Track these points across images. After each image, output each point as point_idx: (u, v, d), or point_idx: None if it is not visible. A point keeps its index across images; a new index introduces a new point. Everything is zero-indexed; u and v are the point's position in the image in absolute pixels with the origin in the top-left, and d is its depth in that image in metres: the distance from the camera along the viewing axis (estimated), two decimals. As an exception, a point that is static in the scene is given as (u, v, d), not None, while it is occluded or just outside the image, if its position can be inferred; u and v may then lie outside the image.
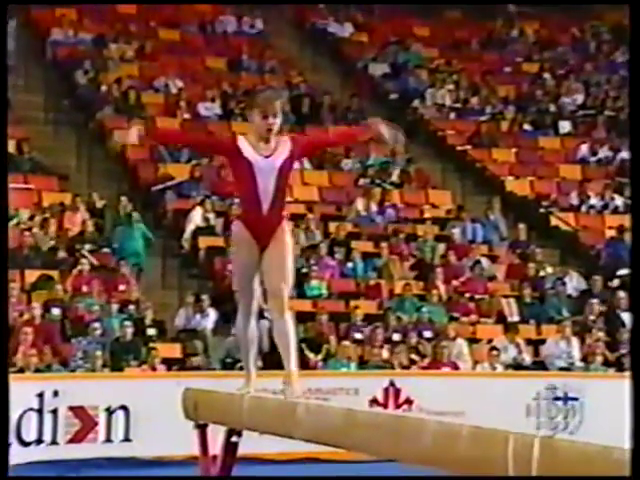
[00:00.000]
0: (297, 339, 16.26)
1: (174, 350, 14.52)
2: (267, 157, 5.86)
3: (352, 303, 15.76)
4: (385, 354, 14.57)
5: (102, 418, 12.44)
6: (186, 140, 7.53)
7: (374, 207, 18.21)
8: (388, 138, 6.12)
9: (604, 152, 20.87)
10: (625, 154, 20.65)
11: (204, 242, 16.83)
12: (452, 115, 22.07)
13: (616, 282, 17.20)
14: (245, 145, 5.89)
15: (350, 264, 16.70)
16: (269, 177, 5.85)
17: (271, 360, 14.34)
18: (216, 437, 6.67)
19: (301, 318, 15.04)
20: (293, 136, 6.07)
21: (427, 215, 18.42)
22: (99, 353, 13.49)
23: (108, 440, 12.46)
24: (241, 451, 6.57)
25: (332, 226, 17.44)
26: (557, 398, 13.71)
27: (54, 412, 12.23)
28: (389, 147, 17.92)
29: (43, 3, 22.49)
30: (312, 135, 6.30)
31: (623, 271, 17.29)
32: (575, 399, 13.74)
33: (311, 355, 14.42)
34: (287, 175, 5.92)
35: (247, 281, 6.07)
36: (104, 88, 20.27)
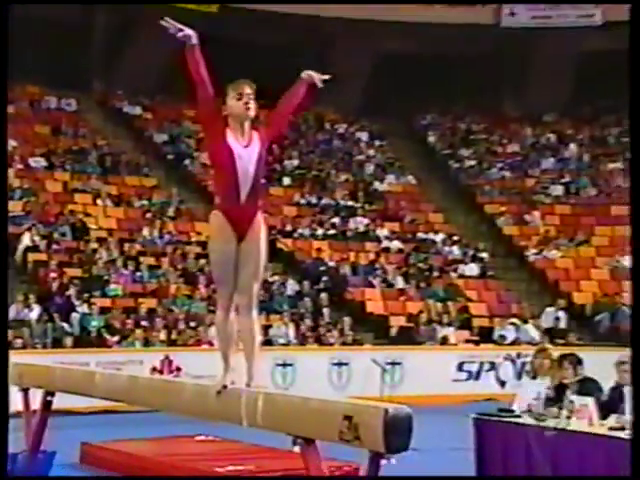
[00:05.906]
0: (99, 327, 15.50)
1: (7, 335, 13.71)
2: (245, 147, 4.53)
3: (139, 300, 15.45)
4: (162, 336, 14.35)
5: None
6: (202, 80, 4.81)
7: (156, 233, 17.98)
8: (317, 79, 4.67)
9: (313, 198, 21.39)
10: (325, 200, 21.29)
11: (32, 257, 16.10)
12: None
13: (321, 285, 17.68)
14: (229, 133, 4.55)
15: (139, 273, 16.41)
16: (248, 166, 4.50)
17: (83, 339, 13.88)
18: (35, 397, 6.41)
19: (103, 311, 14.65)
20: (256, 126, 4.63)
21: (193, 239, 18.30)
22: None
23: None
24: (55, 406, 6.36)
25: (126, 246, 17.03)
26: (279, 364, 13.91)
27: None
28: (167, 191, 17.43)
29: (44, 3, 19.39)
30: (271, 116, 4.72)
31: (324, 278, 17.82)
32: (290, 365, 14.00)
33: (109, 337, 14.00)
34: (264, 164, 4.59)
35: (226, 272, 4.48)
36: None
